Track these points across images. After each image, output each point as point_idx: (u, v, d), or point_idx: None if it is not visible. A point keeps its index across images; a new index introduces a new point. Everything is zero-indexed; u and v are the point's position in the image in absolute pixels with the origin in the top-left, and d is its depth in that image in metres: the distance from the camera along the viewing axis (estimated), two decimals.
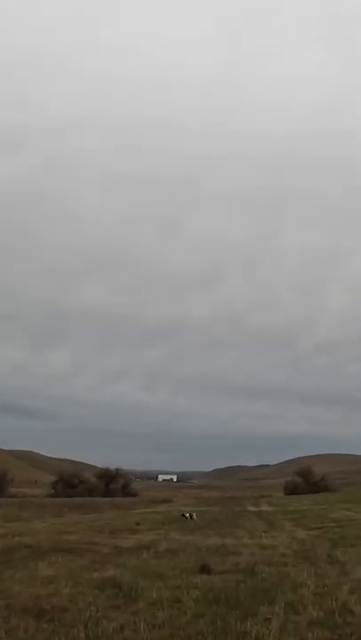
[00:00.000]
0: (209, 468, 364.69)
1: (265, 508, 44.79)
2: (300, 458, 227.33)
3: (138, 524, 28.27)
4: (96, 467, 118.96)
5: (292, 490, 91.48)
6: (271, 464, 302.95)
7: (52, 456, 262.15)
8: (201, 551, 17.22)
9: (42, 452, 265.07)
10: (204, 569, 13.44)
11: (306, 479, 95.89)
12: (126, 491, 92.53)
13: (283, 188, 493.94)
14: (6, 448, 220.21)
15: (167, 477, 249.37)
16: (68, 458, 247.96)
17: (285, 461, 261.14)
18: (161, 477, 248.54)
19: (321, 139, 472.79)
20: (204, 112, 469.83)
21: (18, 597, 10.45)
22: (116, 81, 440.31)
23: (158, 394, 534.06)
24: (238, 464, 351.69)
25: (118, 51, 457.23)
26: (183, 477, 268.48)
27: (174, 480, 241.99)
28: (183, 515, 31.81)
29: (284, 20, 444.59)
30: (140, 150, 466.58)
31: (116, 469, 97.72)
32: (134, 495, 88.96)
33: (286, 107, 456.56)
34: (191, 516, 31.16)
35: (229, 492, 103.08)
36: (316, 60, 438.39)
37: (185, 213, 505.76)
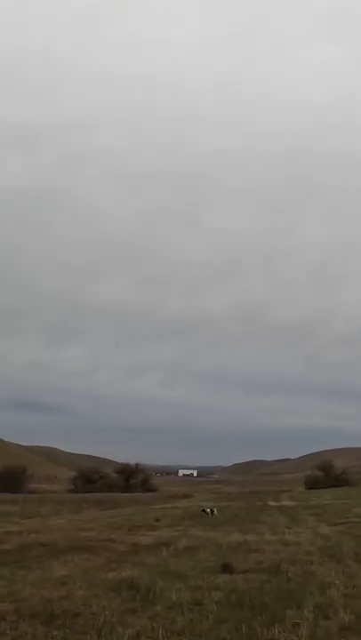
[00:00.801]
0: (229, 463, 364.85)
1: (286, 502, 44.06)
2: (319, 452, 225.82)
3: (157, 519, 27.71)
4: (116, 462, 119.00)
5: (312, 484, 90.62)
6: (291, 458, 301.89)
7: (72, 452, 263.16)
8: (222, 548, 16.55)
9: (61, 448, 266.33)
10: (226, 568, 12.77)
11: (326, 473, 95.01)
12: (146, 486, 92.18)
13: (300, 182, 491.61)
14: (26, 444, 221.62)
15: (187, 472, 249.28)
16: (87, 453, 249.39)
17: (305, 455, 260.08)
18: (181, 472, 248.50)
19: (338, 133, 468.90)
20: (219, 107, 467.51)
21: (28, 600, 9.82)
22: (131, 77, 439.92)
23: (177, 389, 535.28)
24: (258, 458, 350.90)
25: (133, 47, 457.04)
26: (203, 472, 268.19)
27: (194, 475, 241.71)
28: (203, 510, 31.18)
29: (297, 15, 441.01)
30: (156, 146, 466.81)
31: (136, 465, 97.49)
32: (154, 490, 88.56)
33: (303, 101, 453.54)
34: (212, 511, 30.53)
35: (249, 487, 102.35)
36: (330, 54, 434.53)
37: (201, 208, 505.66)
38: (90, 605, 9.56)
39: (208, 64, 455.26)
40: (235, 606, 9.35)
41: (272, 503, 43.26)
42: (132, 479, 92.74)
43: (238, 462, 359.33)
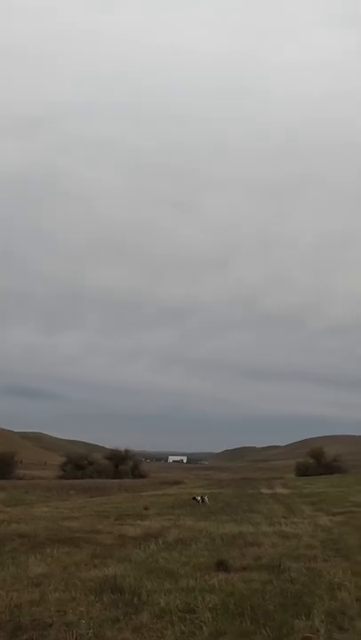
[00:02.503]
0: (219, 449, 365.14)
1: (280, 490, 42.90)
2: (308, 439, 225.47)
3: (146, 508, 26.44)
4: (106, 448, 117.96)
5: (303, 471, 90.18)
6: (280, 445, 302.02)
7: (63, 437, 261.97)
8: (215, 541, 15.22)
9: (52, 434, 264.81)
10: (222, 565, 11.44)
11: (317, 460, 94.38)
12: (136, 472, 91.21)
13: (296, 170, 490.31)
14: (16, 430, 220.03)
15: (177, 459, 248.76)
16: (78, 439, 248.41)
17: (295, 442, 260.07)
18: (171, 458, 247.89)
19: (334, 121, 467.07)
20: (217, 96, 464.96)
21: None
22: (130, 65, 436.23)
23: (169, 375, 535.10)
24: (248, 445, 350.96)
25: (134, 34, 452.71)
26: (193, 459, 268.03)
27: (184, 461, 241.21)
28: (194, 498, 29.88)
29: (293, 5, 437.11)
30: (155, 133, 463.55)
31: (125, 450, 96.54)
32: (144, 477, 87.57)
33: (299, 93, 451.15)
34: (203, 499, 29.23)
35: (240, 474, 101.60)
36: (324, 46, 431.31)
37: (198, 196, 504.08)
38: (65, 612, 8.22)
39: (208, 51, 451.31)
40: (233, 615, 8.00)
41: (265, 491, 42.07)
42: (121, 465, 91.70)
43: (228, 448, 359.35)
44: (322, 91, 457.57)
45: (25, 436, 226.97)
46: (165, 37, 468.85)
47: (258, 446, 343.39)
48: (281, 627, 7.40)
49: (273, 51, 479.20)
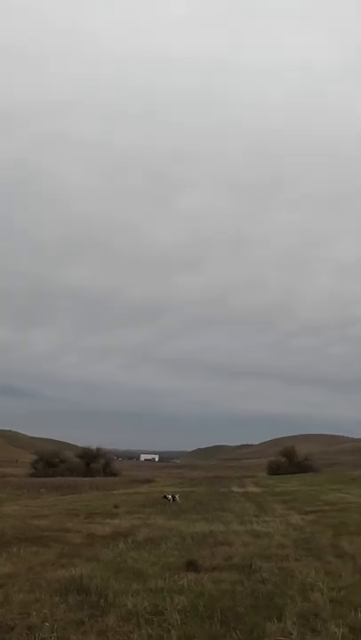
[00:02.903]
0: (191, 448, 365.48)
1: (251, 488, 42.81)
2: (281, 438, 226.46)
3: (117, 506, 26.13)
4: (78, 446, 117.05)
5: (275, 470, 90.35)
6: (253, 444, 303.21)
7: (35, 435, 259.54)
8: (186, 540, 14.99)
9: (24, 432, 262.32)
10: (191, 565, 11.19)
11: (290, 459, 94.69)
12: (108, 470, 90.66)
13: (270, 168, 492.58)
14: None
15: (149, 457, 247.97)
16: (50, 437, 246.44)
17: (267, 441, 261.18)
18: (143, 457, 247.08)
19: (309, 121, 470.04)
20: (191, 93, 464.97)
21: None
22: (105, 63, 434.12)
23: (142, 373, 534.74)
24: (220, 444, 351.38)
25: (113, 31, 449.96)
26: (165, 457, 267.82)
27: (156, 460, 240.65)
28: (165, 496, 29.66)
29: (275, 7, 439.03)
30: (131, 133, 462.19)
31: (97, 449, 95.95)
32: (115, 475, 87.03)
33: (274, 95, 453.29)
34: (174, 497, 29.02)
35: (213, 472, 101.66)
36: (305, 42, 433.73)
37: (174, 196, 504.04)
38: (28, 614, 7.90)
39: (185, 48, 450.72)
40: (203, 617, 7.74)
41: (237, 489, 41.99)
42: (93, 463, 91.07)
43: (201, 447, 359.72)
44: (297, 94, 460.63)
45: None
46: (148, 39, 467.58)
47: (230, 445, 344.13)
48: (252, 630, 7.17)
49: (251, 53, 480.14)
